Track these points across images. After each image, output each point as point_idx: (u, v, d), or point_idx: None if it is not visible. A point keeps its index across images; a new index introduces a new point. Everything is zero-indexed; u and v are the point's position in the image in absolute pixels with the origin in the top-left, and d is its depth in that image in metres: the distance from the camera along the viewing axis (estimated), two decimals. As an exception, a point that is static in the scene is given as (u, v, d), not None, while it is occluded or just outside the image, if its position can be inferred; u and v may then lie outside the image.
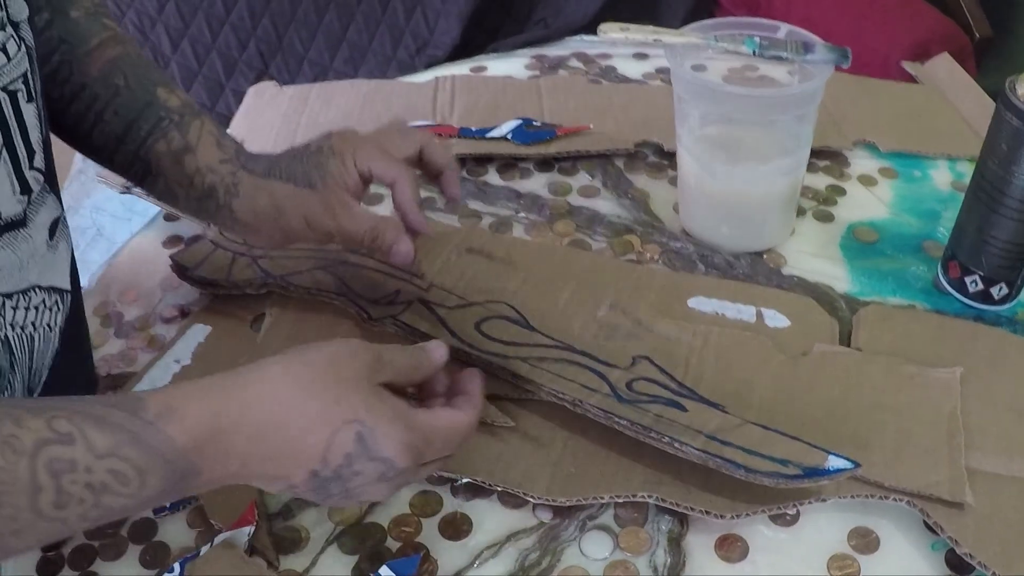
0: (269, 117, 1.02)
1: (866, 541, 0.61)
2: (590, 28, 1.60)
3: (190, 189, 0.68)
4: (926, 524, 0.61)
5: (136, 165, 0.69)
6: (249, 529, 0.62)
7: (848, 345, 0.73)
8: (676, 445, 0.61)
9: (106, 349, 0.78)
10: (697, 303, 0.76)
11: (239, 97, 1.68)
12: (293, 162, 0.67)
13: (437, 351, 0.58)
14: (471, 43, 1.56)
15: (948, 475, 0.62)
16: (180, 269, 0.79)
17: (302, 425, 0.50)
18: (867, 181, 0.91)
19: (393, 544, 0.63)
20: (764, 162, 0.78)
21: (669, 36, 0.77)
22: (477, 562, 0.62)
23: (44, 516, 0.45)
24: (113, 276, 0.86)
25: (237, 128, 1.02)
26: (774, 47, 0.76)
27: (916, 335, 0.73)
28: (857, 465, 0.60)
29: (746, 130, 0.80)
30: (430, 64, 1.58)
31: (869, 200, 0.88)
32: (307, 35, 1.59)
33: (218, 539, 0.62)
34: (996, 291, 0.76)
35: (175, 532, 0.64)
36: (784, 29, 0.79)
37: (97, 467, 0.46)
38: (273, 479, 0.51)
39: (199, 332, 0.76)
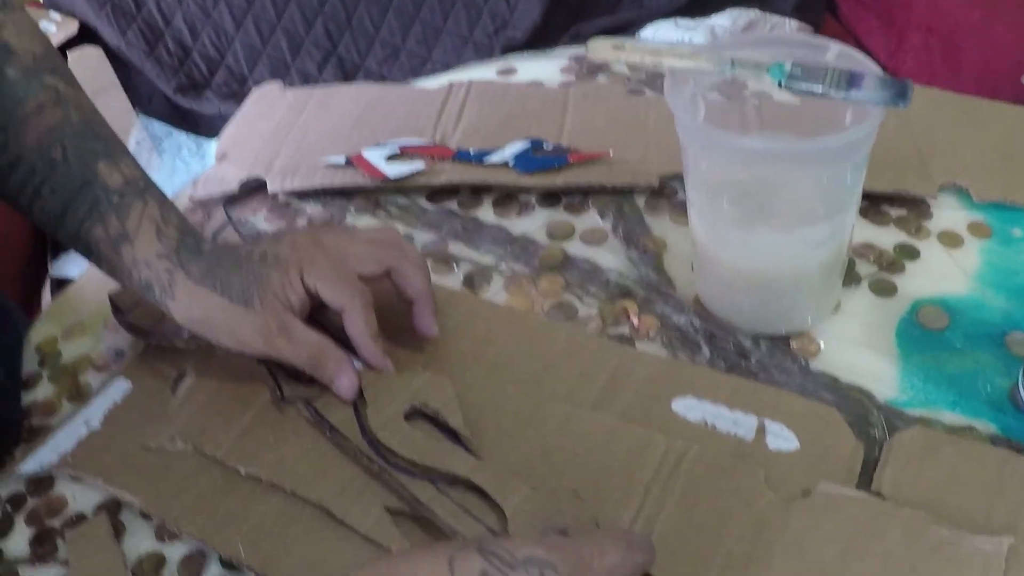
0: (265, 121, 0.89)
1: None
2: (689, 10, 1.42)
3: (129, 280, 0.61)
4: None
5: (79, 245, 0.62)
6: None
7: (870, 481, 0.55)
8: None
9: (36, 393, 0.68)
10: (684, 406, 0.59)
11: (305, 77, 1.60)
12: (232, 271, 0.59)
13: None
14: (553, 23, 1.40)
15: None
16: (116, 311, 0.69)
17: None
18: (950, 240, 0.70)
19: None
20: (789, 230, 0.59)
21: (672, 58, 0.59)
22: None
23: None
24: (66, 306, 0.76)
25: (234, 129, 0.90)
26: (808, 77, 0.56)
27: (964, 478, 0.53)
28: None
29: (768, 189, 0.61)
30: (508, 47, 1.42)
31: (947, 268, 0.68)
32: (378, 13, 1.45)
33: None
34: (1091, 417, 0.56)
35: None
36: (835, 50, 0.60)
37: None
38: None
39: (118, 389, 0.65)
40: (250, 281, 0.58)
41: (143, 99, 1.62)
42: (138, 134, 1.60)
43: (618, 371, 0.61)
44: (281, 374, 0.62)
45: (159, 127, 1.63)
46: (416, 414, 0.59)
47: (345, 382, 0.59)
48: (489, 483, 0.54)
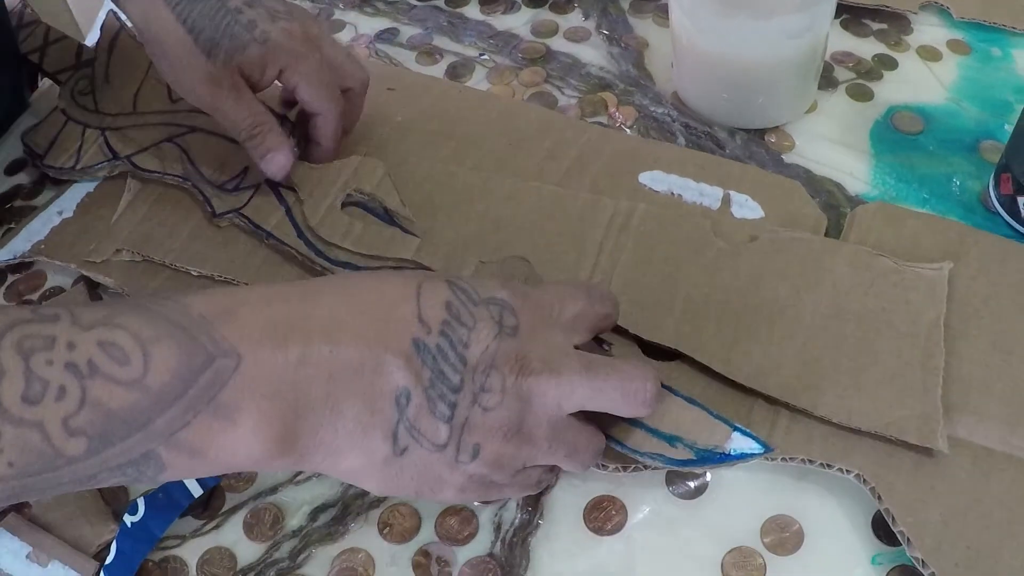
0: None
1: (782, 538, 0.42)
2: None
3: None
4: (874, 525, 0.42)
5: None
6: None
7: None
8: None
9: (20, 177, 0.64)
10: (650, 179, 0.55)
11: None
12: (209, 15, 0.51)
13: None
14: None
15: (919, 410, 0.42)
16: (32, 155, 0.62)
17: (378, 297, 0.37)
18: (928, 54, 0.66)
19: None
20: (766, 17, 0.54)
21: None
22: (298, 477, 0.46)
23: (10, 415, 0.31)
24: (50, 97, 0.71)
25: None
26: None
27: (926, 246, 0.51)
28: (768, 449, 0.41)
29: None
30: None
31: (925, 78, 0.64)
32: None
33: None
34: (1056, 216, 0.53)
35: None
36: None
37: (82, 340, 0.33)
38: (354, 373, 0.35)
39: (91, 180, 0.61)
40: (224, 38, 0.51)
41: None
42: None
43: (588, 147, 0.57)
44: (208, 188, 0.56)
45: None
46: (354, 204, 0.54)
47: (280, 160, 0.52)
48: (437, 261, 0.50)
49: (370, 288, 0.38)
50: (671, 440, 0.41)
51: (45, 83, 0.73)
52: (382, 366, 0.35)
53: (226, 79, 0.51)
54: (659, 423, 0.41)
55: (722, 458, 0.40)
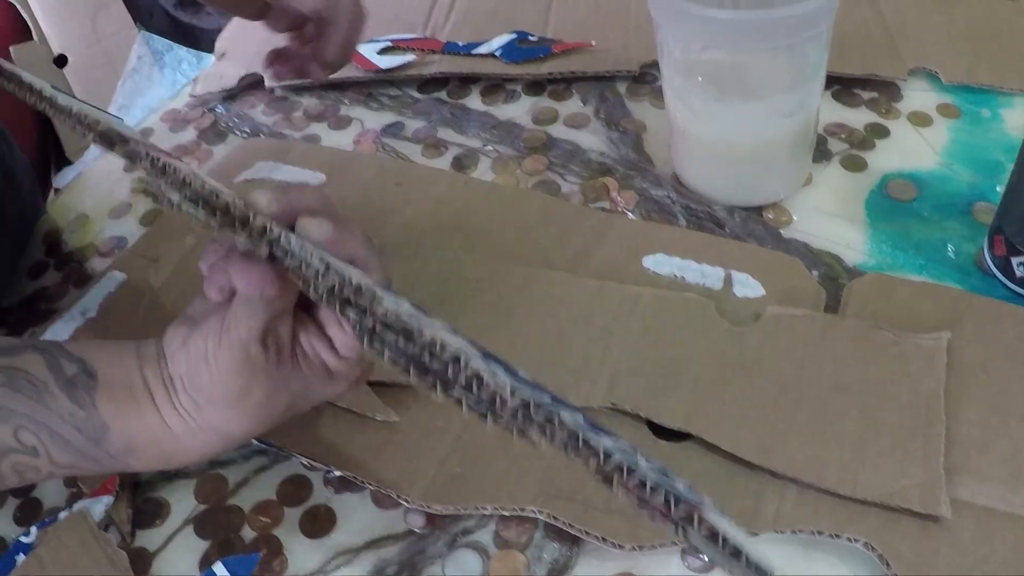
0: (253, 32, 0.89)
1: (795, 605, 0.45)
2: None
3: None
4: (883, 587, 0.45)
5: None
6: (108, 499, 0.53)
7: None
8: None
9: (43, 280, 0.69)
10: (654, 262, 0.59)
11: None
12: None
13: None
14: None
15: (921, 478, 0.46)
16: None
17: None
18: (919, 120, 0.70)
19: (248, 534, 0.51)
20: (757, 99, 0.59)
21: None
22: (329, 567, 0.49)
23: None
24: (71, 199, 0.77)
25: (233, 28, 0.90)
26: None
27: (921, 314, 0.54)
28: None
29: (735, 60, 0.61)
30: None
31: (916, 145, 0.68)
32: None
33: (75, 506, 0.53)
34: (1050, 276, 0.57)
35: (51, 491, 0.56)
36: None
37: (58, 471, 0.46)
38: None
39: (112, 281, 0.66)
40: None
41: (144, 14, 1.59)
42: (139, 49, 1.58)
43: (592, 233, 0.62)
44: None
45: (160, 42, 1.61)
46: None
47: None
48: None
49: None
50: None
51: (60, 179, 0.79)
52: None
53: None
54: None
55: None
